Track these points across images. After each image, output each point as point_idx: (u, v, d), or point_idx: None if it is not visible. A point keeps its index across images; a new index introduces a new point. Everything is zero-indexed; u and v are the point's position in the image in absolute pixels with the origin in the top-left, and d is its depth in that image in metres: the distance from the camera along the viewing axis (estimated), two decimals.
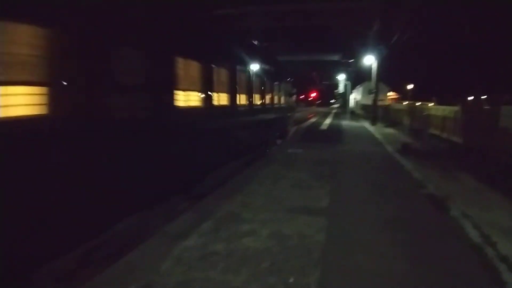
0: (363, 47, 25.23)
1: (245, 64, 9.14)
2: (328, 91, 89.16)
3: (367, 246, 3.81)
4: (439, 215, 4.96)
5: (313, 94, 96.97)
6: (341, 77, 49.48)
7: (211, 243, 3.78)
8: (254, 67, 9.87)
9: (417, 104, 17.57)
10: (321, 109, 59.10)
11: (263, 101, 10.63)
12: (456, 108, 10.83)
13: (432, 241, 4.02)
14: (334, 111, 48.89)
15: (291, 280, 3.07)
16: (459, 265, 3.47)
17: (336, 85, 67.71)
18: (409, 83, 60.80)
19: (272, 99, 11.77)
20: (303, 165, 8.17)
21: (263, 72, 10.35)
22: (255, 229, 4.20)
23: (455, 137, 10.53)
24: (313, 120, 28.17)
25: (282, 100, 13.95)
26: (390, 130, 18.40)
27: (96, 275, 3.07)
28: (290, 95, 15.59)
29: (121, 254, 3.49)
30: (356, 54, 33.13)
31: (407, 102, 27.82)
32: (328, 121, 26.11)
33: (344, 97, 45.41)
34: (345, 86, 42.80)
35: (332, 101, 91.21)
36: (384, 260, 3.50)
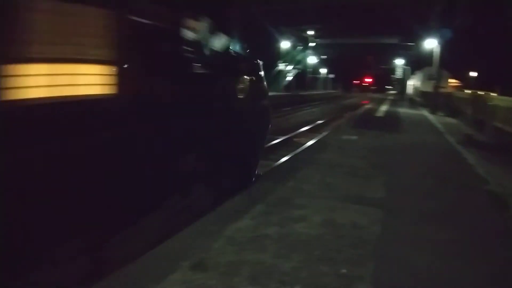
0: (425, 30, 23.78)
1: None
2: (385, 76, 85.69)
3: (425, 242, 3.63)
4: (500, 214, 4.69)
5: (368, 80, 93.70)
6: (399, 62, 47.14)
7: (262, 226, 3.77)
8: None
9: (481, 93, 16.25)
10: (376, 95, 57.07)
11: None
12: None
13: (491, 241, 3.79)
14: (390, 97, 46.95)
15: (344, 270, 2.99)
16: None
17: (393, 70, 64.85)
18: (472, 71, 56.91)
19: None
20: (358, 153, 7.94)
21: None
22: (307, 215, 4.14)
23: None
24: (367, 106, 27.31)
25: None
26: (451, 120, 17.40)
27: (148, 251, 3.14)
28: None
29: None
30: (417, 38, 31.35)
31: (470, 91, 26.04)
32: (384, 107, 25.16)
33: (402, 83, 43.33)
34: (403, 71, 40.78)
35: (388, 87, 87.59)
36: (440, 258, 3.31)
